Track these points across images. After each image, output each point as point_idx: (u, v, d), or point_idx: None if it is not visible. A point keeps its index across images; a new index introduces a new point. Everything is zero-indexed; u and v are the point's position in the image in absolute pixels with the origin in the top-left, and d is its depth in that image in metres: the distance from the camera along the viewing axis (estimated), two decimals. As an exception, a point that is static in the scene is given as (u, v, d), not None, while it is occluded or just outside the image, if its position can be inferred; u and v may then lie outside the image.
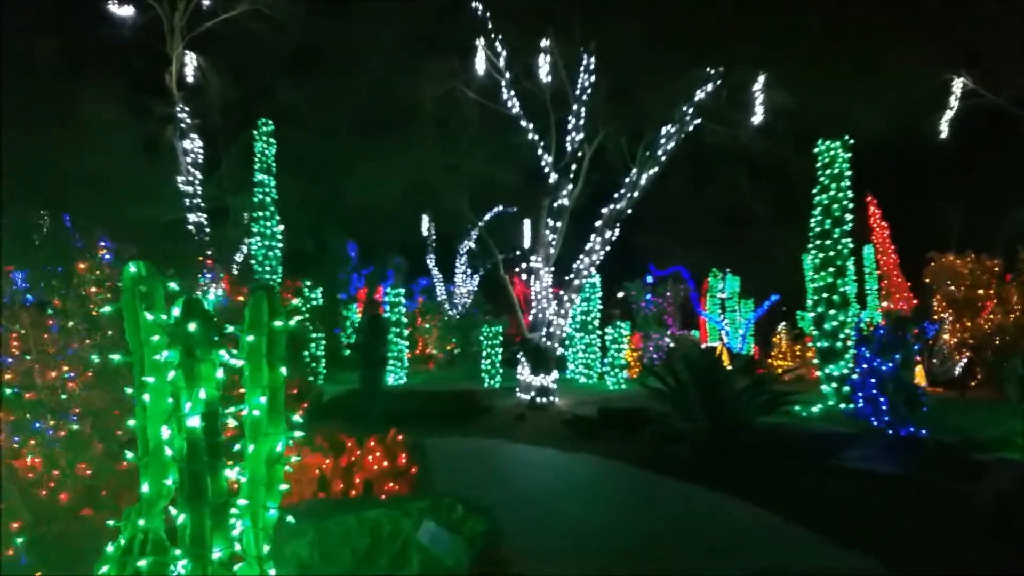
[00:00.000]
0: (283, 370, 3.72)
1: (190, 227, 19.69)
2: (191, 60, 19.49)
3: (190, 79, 19.54)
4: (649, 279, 33.05)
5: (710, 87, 18.56)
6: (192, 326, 3.02)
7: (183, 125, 19.54)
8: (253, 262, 20.69)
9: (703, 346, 28.36)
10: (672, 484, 11.27)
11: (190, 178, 19.56)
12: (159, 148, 19.91)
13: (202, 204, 19.79)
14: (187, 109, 19.49)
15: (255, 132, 21.97)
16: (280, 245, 21.04)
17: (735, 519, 9.19)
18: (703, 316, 35.74)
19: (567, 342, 23.99)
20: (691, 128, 19.23)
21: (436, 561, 5.76)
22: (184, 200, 19.59)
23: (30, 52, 17.64)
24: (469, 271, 36.90)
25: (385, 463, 9.01)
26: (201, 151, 19.66)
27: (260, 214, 21.55)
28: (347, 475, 8.66)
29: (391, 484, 8.81)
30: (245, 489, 3.69)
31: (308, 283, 21.80)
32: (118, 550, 3.12)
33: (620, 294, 32.22)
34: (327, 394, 18.23)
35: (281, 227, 20.84)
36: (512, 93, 19.85)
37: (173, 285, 3.52)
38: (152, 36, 18.84)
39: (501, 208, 27.27)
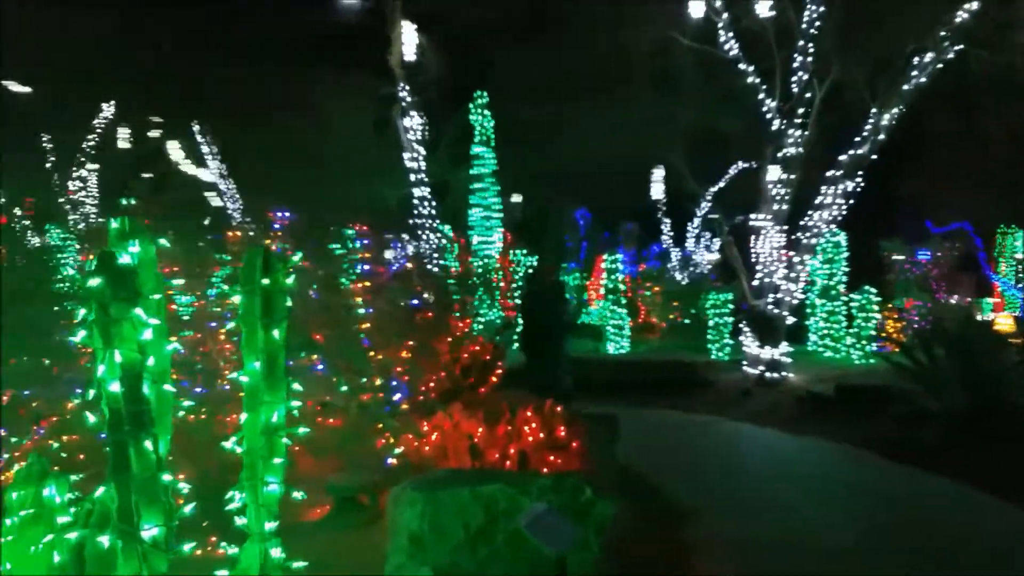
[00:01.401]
0: (276, 333, 3.40)
1: (415, 201, 20.64)
2: (412, 39, 20.28)
3: (410, 58, 20.34)
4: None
5: (975, 4, 15.48)
6: (99, 281, 2.77)
7: (404, 104, 20.43)
8: (472, 232, 21.28)
9: (981, 317, 24.17)
10: (915, 475, 9.70)
11: (414, 155, 20.45)
12: (387, 127, 21.05)
13: (425, 179, 20.64)
14: (408, 88, 20.34)
15: (471, 105, 22.47)
16: (499, 215, 21.39)
17: (991, 524, 7.51)
18: (996, 281, 30.38)
19: (809, 310, 21.72)
20: (950, 56, 16.22)
21: (535, 550, 5.19)
22: (409, 176, 20.56)
23: (267, 41, 19.45)
24: (708, 235, 35.08)
25: (541, 435, 8.55)
26: (422, 128, 20.47)
27: (478, 186, 22.07)
28: (502, 445, 8.38)
29: (552, 457, 8.36)
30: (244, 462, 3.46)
31: (523, 251, 21.94)
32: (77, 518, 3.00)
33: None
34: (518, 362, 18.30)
35: (499, 198, 21.18)
36: (730, 35, 18.13)
37: (163, 242, 3.32)
38: (376, 17, 19.88)
39: (734, 164, 25.37)
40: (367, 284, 9.29)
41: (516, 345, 16.37)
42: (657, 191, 35.61)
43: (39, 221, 22.09)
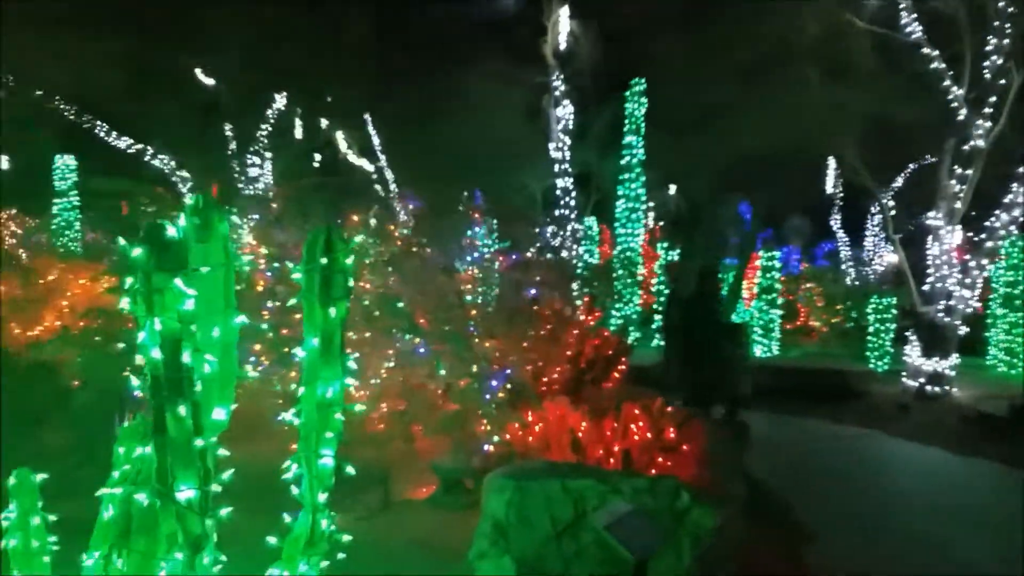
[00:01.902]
0: (333, 311, 3.45)
1: (557, 192, 20.62)
2: (566, 27, 20.21)
3: (565, 46, 20.28)
4: None
5: None
6: (141, 251, 2.90)
7: (557, 93, 20.41)
8: (616, 224, 20.92)
9: None
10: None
11: (559, 144, 20.40)
12: (535, 117, 21.15)
13: (570, 170, 20.53)
14: (561, 76, 20.29)
15: (627, 93, 22.03)
16: (644, 207, 20.91)
17: None
18: None
19: (989, 320, 19.60)
20: None
21: (612, 552, 4.99)
22: (554, 166, 20.55)
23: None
24: (882, 234, 32.53)
25: (649, 434, 8.24)
26: (571, 117, 20.35)
27: (626, 176, 21.62)
28: (607, 442, 8.15)
29: (660, 459, 8.05)
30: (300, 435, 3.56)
31: (665, 244, 21.32)
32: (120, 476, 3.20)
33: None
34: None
35: (644, 189, 20.68)
36: (913, 16, 16.59)
37: (235, 219, 3.47)
38: (530, 6, 20.02)
39: (912, 159, 23.31)
40: (475, 272, 9.38)
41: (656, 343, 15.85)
42: (829, 185, 33.46)
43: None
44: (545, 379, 12.76)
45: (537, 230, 20.21)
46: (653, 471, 8.16)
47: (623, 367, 13.25)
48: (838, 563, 7.14)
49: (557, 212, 20.72)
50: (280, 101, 28.84)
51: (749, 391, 12.87)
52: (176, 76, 28.94)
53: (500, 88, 21.50)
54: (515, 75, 21.09)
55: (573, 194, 20.44)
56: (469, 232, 9.89)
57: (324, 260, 3.45)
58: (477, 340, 8.49)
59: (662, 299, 19.03)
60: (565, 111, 20.36)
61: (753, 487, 9.09)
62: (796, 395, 15.84)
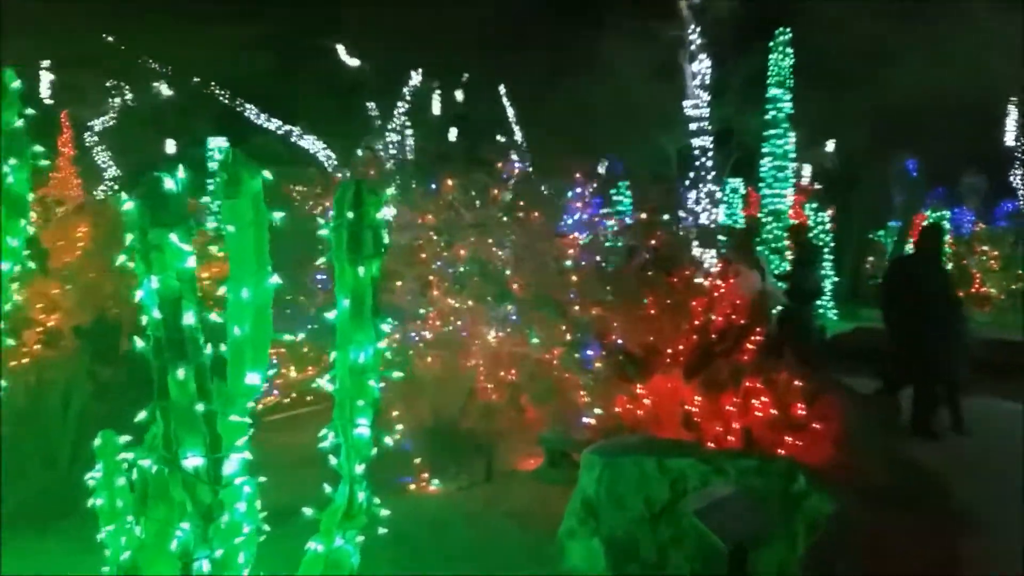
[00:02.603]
0: (361, 270, 3.16)
1: (695, 152, 19.57)
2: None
3: (699, -1, 19.14)
4: None
5: None
6: (133, 205, 2.72)
7: (692, 47, 19.30)
8: (761, 185, 19.63)
9: None
10: None
11: (697, 102, 19.31)
12: (670, 74, 20.13)
13: (708, 127, 19.42)
14: (697, 28, 19.16)
15: (771, 43, 20.53)
16: (792, 165, 19.47)
17: None
18: None
19: None
20: None
21: (705, 540, 4.45)
22: (691, 125, 19.49)
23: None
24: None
25: (774, 411, 7.49)
26: (709, 71, 19.20)
27: (771, 132, 20.19)
28: (725, 419, 7.49)
29: (788, 438, 7.30)
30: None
31: (815, 206, 19.75)
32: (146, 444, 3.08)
33: None
34: (832, 330, 16.59)
35: (793, 145, 19.22)
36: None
37: (267, 174, 3.27)
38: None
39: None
40: (574, 237, 8.87)
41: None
42: (1010, 137, 29.89)
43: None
44: (668, 350, 12.16)
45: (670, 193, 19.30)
46: (781, 451, 7.48)
47: (757, 338, 12.36)
48: (1005, 560, 6.18)
49: (693, 174, 19.69)
50: (416, 78, 29.29)
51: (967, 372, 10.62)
52: (321, 56, 30.10)
53: (631, 46, 20.67)
54: (647, 31, 20.15)
55: (710, 153, 19.33)
56: (570, 194, 9.40)
57: (351, 215, 3.19)
58: (578, 308, 8.06)
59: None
60: (701, 66, 19.22)
61: (900, 469, 8.12)
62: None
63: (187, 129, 28.67)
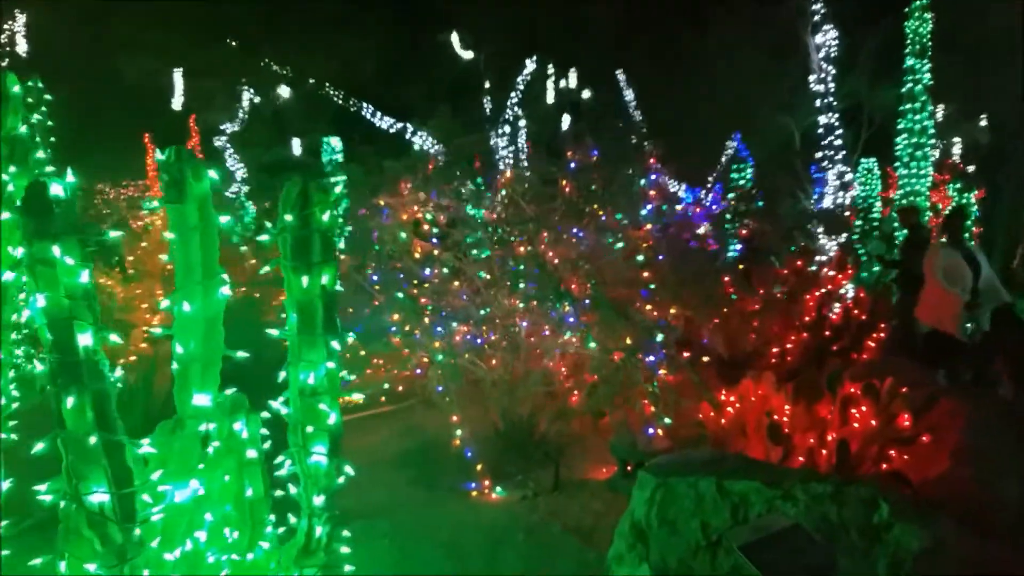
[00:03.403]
0: (305, 281, 2.78)
1: (820, 131, 18.03)
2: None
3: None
4: None
5: None
6: (8, 216, 2.44)
7: (816, 18, 17.80)
8: (897, 164, 17.83)
9: None
10: None
11: (822, 76, 17.79)
12: (791, 48, 18.66)
13: (834, 104, 17.84)
14: (820, -1, 17.66)
15: (907, 8, 18.60)
16: (932, 142, 17.58)
17: None
18: None
19: None
20: None
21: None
22: (815, 101, 17.98)
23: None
24: None
25: (874, 421, 6.53)
26: (835, 43, 17.62)
27: (908, 106, 18.27)
28: (819, 430, 6.59)
29: (892, 452, 6.34)
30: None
31: (958, 186, 17.69)
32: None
33: None
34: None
35: (932, 120, 17.30)
36: None
37: (213, 174, 2.98)
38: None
39: None
40: (645, 230, 8.12)
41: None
42: None
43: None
44: (775, 349, 11.20)
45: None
46: (884, 466, 6.57)
47: (881, 334, 11.15)
48: None
49: (820, 154, 18.19)
50: (530, 67, 28.92)
51: None
52: (433, 52, 30.38)
53: (748, 20, 19.35)
54: (765, 2, 18.80)
55: (839, 131, 17.78)
56: (644, 182, 8.66)
57: (295, 218, 2.83)
58: (650, 307, 7.38)
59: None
60: (826, 37, 17.69)
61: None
62: None
63: (307, 129, 29.68)
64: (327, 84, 28.85)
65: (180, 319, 2.86)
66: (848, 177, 17.93)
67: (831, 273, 12.45)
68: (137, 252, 12.42)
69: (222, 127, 28.80)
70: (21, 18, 25.40)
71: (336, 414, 2.94)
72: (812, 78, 18.10)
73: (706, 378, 8.43)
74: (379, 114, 28.69)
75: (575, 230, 7.28)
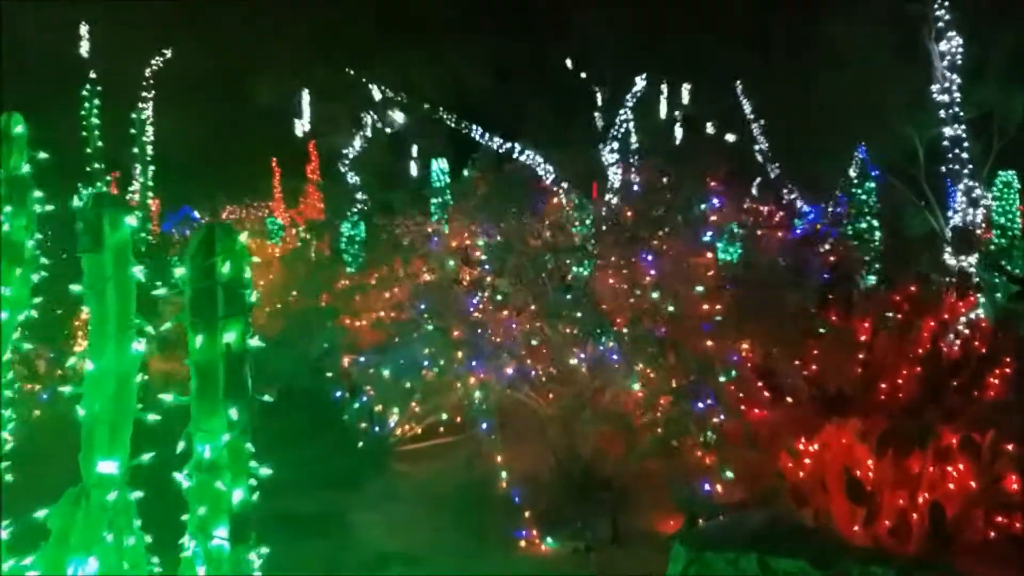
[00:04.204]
0: (201, 339, 2.44)
1: (946, 143, 16.39)
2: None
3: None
4: None
5: None
6: None
7: (939, 24, 16.26)
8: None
9: None
10: None
11: (946, 85, 16.20)
12: (913, 56, 17.11)
13: (961, 114, 16.20)
14: (944, 2, 16.12)
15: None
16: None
17: None
18: None
19: None
20: None
21: None
22: (940, 111, 16.36)
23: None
24: None
25: (974, 483, 5.52)
26: (960, 50, 16.02)
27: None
28: (910, 488, 5.62)
29: (999, 518, 5.33)
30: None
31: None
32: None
33: None
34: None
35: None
36: None
37: (132, 221, 2.73)
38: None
39: None
40: (706, 258, 7.31)
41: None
42: None
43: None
44: (883, 384, 10.05)
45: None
46: (992, 533, 5.58)
47: (1007, 369, 9.78)
48: None
49: (945, 168, 16.56)
50: (640, 84, 28.32)
51: None
52: (544, 72, 30.38)
53: (867, 28, 17.92)
54: (885, 9, 17.34)
55: (965, 144, 16.12)
56: (704, 205, 7.89)
57: (197, 269, 2.52)
58: (711, 342, 6.63)
59: None
60: (951, 44, 16.16)
61: None
62: None
63: (422, 152, 30.31)
64: (440, 108, 29.48)
65: (88, 376, 2.61)
66: (978, 192, 16.18)
67: (951, 299, 11.14)
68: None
69: (344, 151, 29.84)
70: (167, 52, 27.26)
71: (243, 491, 2.59)
72: (935, 87, 16.54)
73: (793, 419, 7.56)
74: (487, 135, 28.92)
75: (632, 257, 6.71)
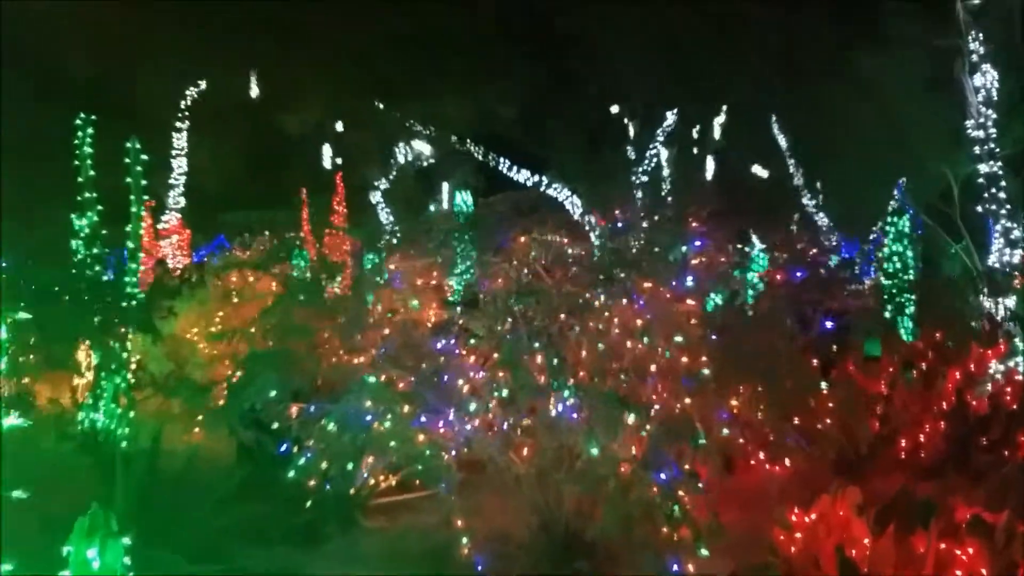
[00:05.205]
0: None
1: (980, 180, 15.81)
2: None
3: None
4: None
5: None
6: None
7: (974, 57, 15.76)
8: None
9: None
10: None
11: (981, 120, 15.66)
12: (946, 90, 16.61)
13: (996, 150, 15.63)
14: (979, 34, 15.62)
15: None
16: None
17: None
18: None
19: None
20: None
21: None
22: (975, 148, 15.81)
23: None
24: None
25: (984, 570, 5.01)
26: (996, 84, 15.50)
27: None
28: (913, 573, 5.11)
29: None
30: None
31: None
32: None
33: None
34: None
35: None
36: None
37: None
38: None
39: None
40: (689, 305, 6.91)
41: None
42: None
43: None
44: (903, 442, 9.56)
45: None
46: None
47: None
48: None
49: (981, 207, 15.98)
50: (671, 118, 28.12)
51: None
52: (570, 104, 30.43)
53: (896, 61, 17.52)
54: (916, 41, 16.90)
55: (1002, 183, 15.56)
56: (685, 248, 7.51)
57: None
58: (690, 399, 6.22)
59: None
60: (986, 78, 15.67)
61: None
62: None
63: (449, 183, 30.46)
64: (468, 140, 29.69)
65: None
66: (1016, 234, 15.51)
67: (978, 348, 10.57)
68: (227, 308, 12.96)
69: (376, 182, 30.08)
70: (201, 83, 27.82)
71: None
72: (970, 123, 16.00)
73: (791, 484, 7.11)
74: (515, 168, 28.90)
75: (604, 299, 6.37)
